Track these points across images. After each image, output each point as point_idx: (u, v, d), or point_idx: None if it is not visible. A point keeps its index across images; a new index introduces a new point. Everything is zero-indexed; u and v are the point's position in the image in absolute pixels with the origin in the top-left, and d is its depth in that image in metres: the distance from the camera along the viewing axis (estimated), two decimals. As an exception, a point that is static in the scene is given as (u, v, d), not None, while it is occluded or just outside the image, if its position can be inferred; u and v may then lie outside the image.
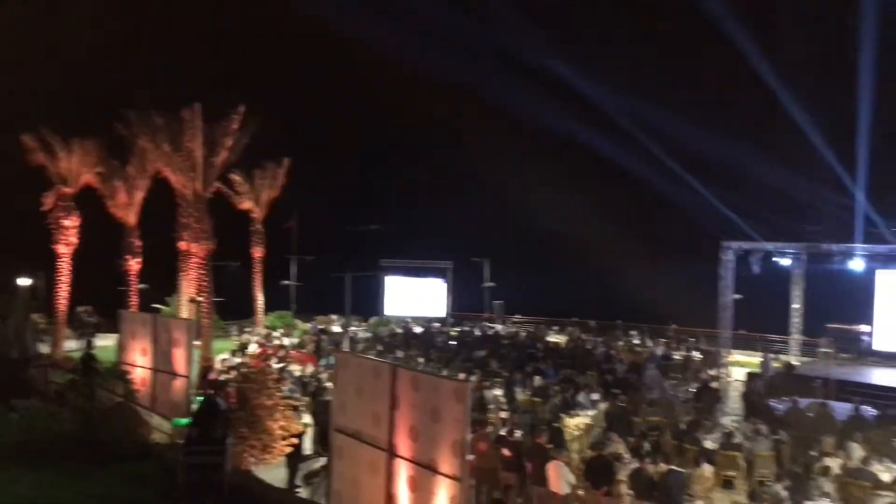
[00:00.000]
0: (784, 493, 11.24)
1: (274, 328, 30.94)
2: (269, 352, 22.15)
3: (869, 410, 17.72)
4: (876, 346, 25.35)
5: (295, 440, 13.19)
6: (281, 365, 19.97)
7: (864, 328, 26.06)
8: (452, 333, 30.14)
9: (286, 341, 26.28)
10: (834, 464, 13.01)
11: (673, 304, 36.79)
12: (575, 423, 16.14)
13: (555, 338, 30.59)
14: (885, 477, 12.78)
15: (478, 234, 51.46)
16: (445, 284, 35.74)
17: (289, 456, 13.15)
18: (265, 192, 31.85)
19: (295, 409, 14.27)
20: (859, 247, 24.24)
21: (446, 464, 9.06)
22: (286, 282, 35.45)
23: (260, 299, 32.42)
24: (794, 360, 25.71)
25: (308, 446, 14.48)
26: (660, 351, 26.02)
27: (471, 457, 11.23)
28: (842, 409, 17.59)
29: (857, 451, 13.76)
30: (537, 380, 19.25)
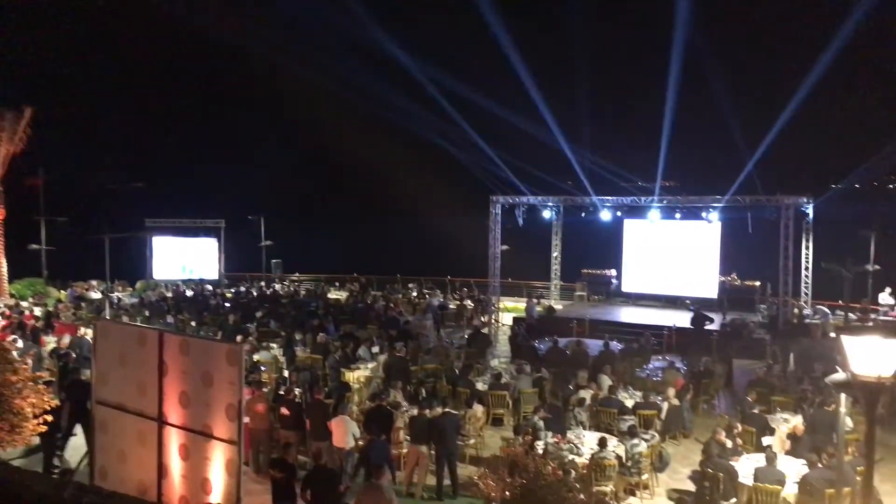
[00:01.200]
0: (541, 424, 12.24)
1: (23, 297, 27.86)
2: (18, 322, 19.93)
3: (616, 345, 19.81)
4: (623, 289, 28.31)
5: (49, 417, 12.02)
6: (28, 337, 18.06)
7: (612, 272, 28.95)
8: (228, 295, 29.08)
9: (37, 311, 23.81)
10: (587, 395, 14.40)
11: (451, 256, 38.38)
12: (356, 376, 16.37)
13: (335, 294, 30.65)
14: (629, 403, 14.40)
15: (252, 191, 49.83)
16: (217, 244, 34.29)
17: (42, 435, 11.96)
18: (3, 146, 28.22)
19: (48, 384, 12.98)
20: (608, 199, 26.73)
21: (221, 428, 8.76)
22: (34, 246, 31.92)
23: (2, 266, 28.96)
24: (555, 304, 27.98)
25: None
26: (436, 301, 27.06)
27: (246, 419, 10.98)
28: (594, 345, 19.50)
29: (606, 381, 15.34)
30: (319, 337, 19.18)
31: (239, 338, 17.51)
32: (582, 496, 6.38)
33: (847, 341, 5.90)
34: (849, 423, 12.51)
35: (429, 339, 21.44)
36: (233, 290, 30.76)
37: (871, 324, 21.64)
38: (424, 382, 16.04)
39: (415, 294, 29.61)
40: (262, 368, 16.12)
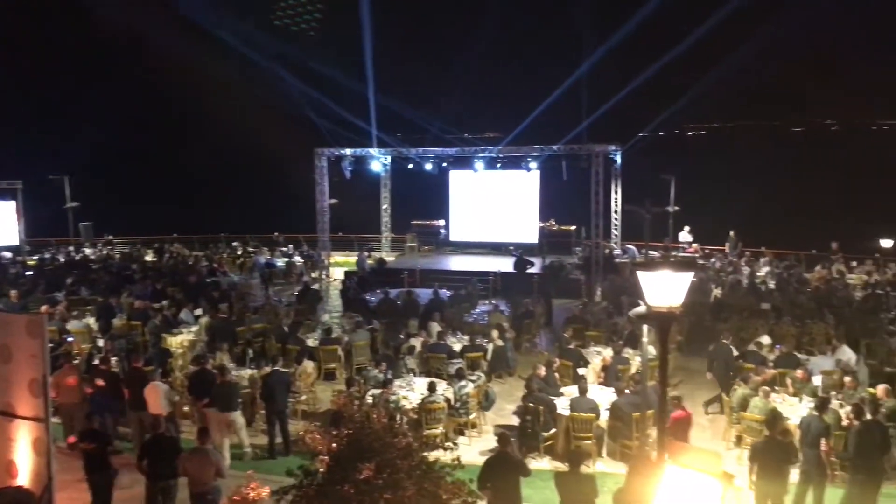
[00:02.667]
0: (380, 376, 12.40)
1: None
2: None
3: (445, 293, 20.34)
4: (451, 238, 29.00)
5: None
6: None
7: (441, 223, 29.54)
8: (30, 263, 26.64)
9: None
10: (417, 343, 14.72)
11: (278, 212, 37.39)
12: (178, 340, 15.66)
13: (153, 257, 28.98)
14: (457, 347, 14.89)
15: (55, 149, 45.61)
16: (15, 206, 31.15)
17: None
18: None
19: None
20: (434, 150, 27.10)
21: (25, 406, 8.08)
22: None
23: None
24: (387, 256, 28.18)
25: None
26: (263, 259, 26.36)
27: (53, 394, 10.21)
28: (425, 294, 19.90)
29: (436, 328, 15.75)
30: (137, 303, 18.11)
31: (44, 308, 16.15)
32: (409, 439, 6.53)
33: (642, 276, 6.38)
34: (652, 351, 13.73)
35: (256, 298, 20.91)
36: (36, 258, 28.20)
37: (672, 259, 23.71)
38: (252, 343, 15.69)
39: (240, 252, 28.64)
40: (70, 339, 14.98)
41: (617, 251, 26.75)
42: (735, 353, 13.79)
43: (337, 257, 28.63)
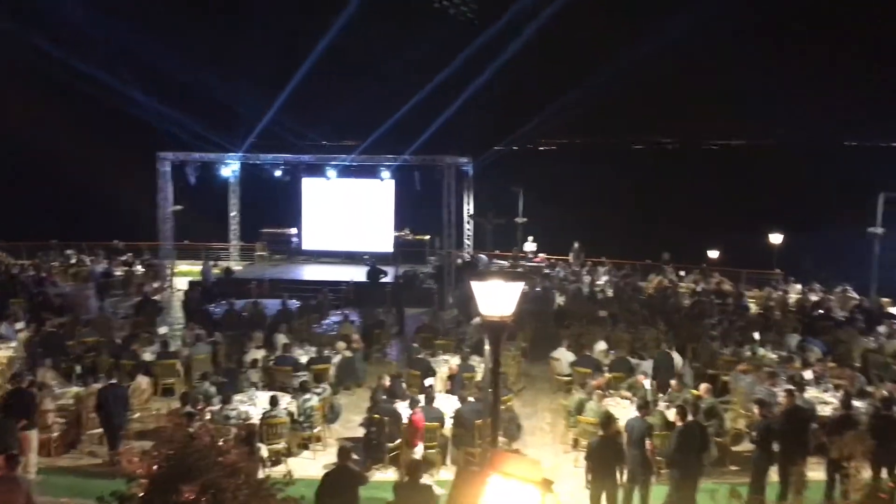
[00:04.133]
0: (212, 390, 11.88)
1: None
2: None
3: (294, 303, 19.89)
4: (304, 247, 28.41)
5: None
6: None
7: (293, 231, 28.89)
8: None
9: None
10: (259, 355, 14.26)
11: (118, 219, 35.16)
12: (-6, 357, 14.31)
13: (-27, 266, 26.38)
14: (304, 359, 14.56)
15: None
16: None
17: None
18: None
19: None
20: (285, 157, 26.52)
21: None
22: None
23: None
24: (235, 266, 27.21)
25: None
26: (100, 268, 24.67)
27: None
28: (273, 304, 19.35)
29: (282, 340, 15.33)
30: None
31: None
32: (234, 457, 6.25)
33: (475, 286, 6.48)
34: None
35: (89, 309, 19.53)
36: None
37: (520, 269, 24.51)
38: (83, 358, 14.60)
39: (74, 261, 26.66)
40: None
41: (467, 259, 27.27)
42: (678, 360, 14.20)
43: (182, 266, 27.30)
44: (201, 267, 24.83)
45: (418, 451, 10.74)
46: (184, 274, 26.46)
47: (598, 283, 23.55)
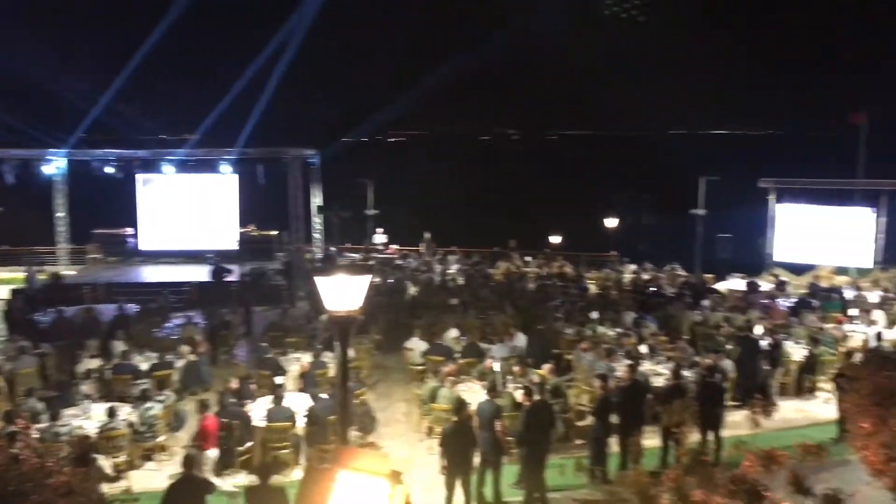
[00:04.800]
0: (40, 406, 10.99)
1: None
2: None
3: (133, 307, 18.73)
4: (141, 247, 26.80)
5: None
6: None
7: (128, 231, 27.19)
8: None
9: None
10: (95, 364, 13.33)
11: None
12: None
13: None
14: (145, 366, 13.76)
15: None
16: None
17: None
18: None
19: None
20: (116, 152, 24.91)
21: None
22: None
23: None
24: (64, 270, 25.24)
25: None
26: None
27: None
28: (108, 310, 18.14)
29: (120, 347, 14.41)
30: None
31: None
32: (66, 477, 5.80)
33: (320, 281, 6.37)
34: (351, 353, 13.95)
35: None
36: None
37: (371, 262, 24.46)
38: None
39: None
40: None
41: (319, 255, 26.88)
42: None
43: (2, 273, 25.02)
44: (25, 274, 22.86)
45: (210, 455, 10.49)
46: (4, 282, 24.25)
47: (449, 271, 23.94)
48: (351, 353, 13.73)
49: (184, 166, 25.28)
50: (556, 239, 28.93)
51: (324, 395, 11.53)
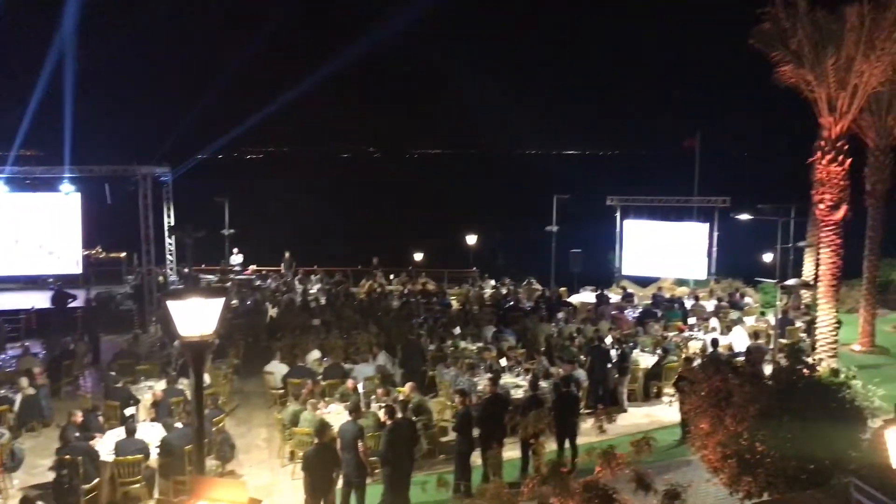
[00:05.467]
0: None
1: None
2: None
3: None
4: (-30, 272, 24.52)
5: None
6: None
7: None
8: None
9: None
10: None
11: None
12: None
13: None
14: (-26, 402, 12.60)
15: None
16: None
17: None
18: None
19: None
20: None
21: None
22: None
23: None
24: None
25: None
26: None
27: None
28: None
29: (-56, 383, 13.13)
30: None
31: None
32: None
33: (172, 306, 6.10)
34: (207, 379, 13.41)
35: None
36: None
37: (228, 284, 23.69)
38: None
39: None
40: None
41: (172, 277, 25.66)
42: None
43: None
44: None
45: None
46: None
47: (310, 291, 23.59)
48: (207, 378, 13.22)
49: (20, 184, 23.42)
50: (418, 256, 29.24)
51: (179, 425, 11.03)
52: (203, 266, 27.29)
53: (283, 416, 12.04)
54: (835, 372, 9.82)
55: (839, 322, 16.49)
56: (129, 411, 12.49)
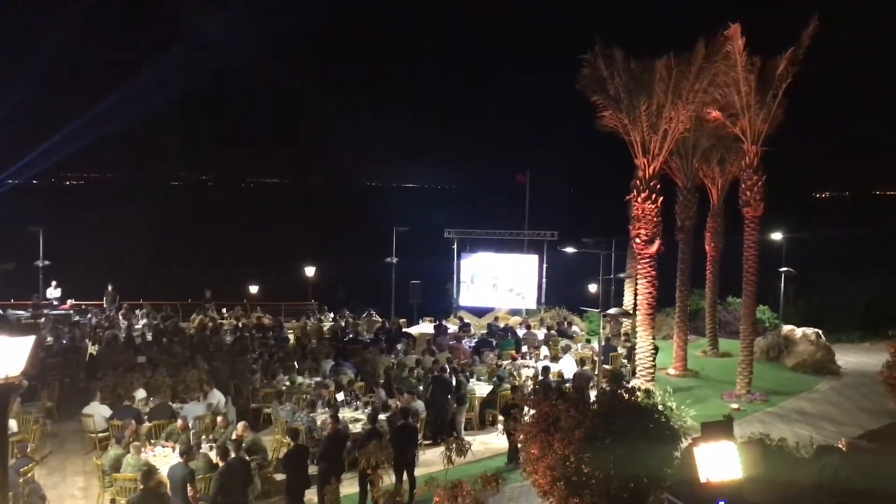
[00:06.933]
0: None
1: None
2: None
3: None
4: None
5: None
6: None
7: None
8: None
9: None
10: None
11: None
12: None
13: None
14: None
15: None
16: None
17: None
18: None
19: None
20: None
21: None
22: None
23: None
24: None
25: None
26: None
27: None
28: None
29: None
30: None
31: None
32: None
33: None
34: (14, 426, 12.21)
35: None
36: None
37: (42, 320, 21.79)
38: None
39: None
40: None
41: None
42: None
43: None
44: None
45: None
46: None
47: (136, 327, 22.17)
48: (14, 425, 12.04)
49: None
50: (254, 289, 28.40)
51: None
52: (12, 301, 24.92)
53: (102, 462, 11.16)
54: (647, 394, 10.55)
55: (656, 348, 17.86)
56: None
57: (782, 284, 25.58)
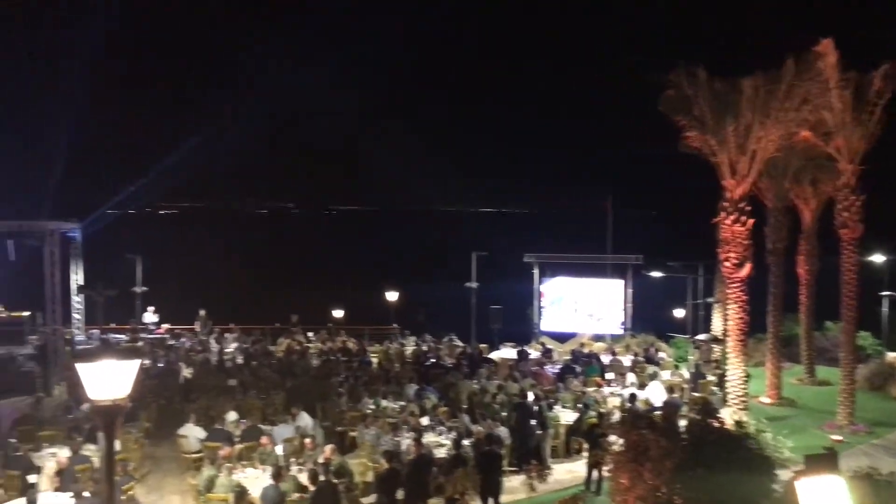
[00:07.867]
0: None
1: None
2: None
3: None
4: None
5: None
6: None
7: None
8: None
9: None
10: None
11: None
12: None
13: None
14: None
15: None
16: None
17: None
18: None
19: None
20: None
21: None
22: None
23: None
24: None
25: None
26: None
27: None
28: None
29: None
30: None
31: None
32: None
33: (82, 369, 5.86)
34: (117, 445, 12.77)
35: None
36: None
37: (140, 344, 22.80)
38: None
39: None
40: None
41: (80, 337, 24.49)
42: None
43: None
44: None
45: None
46: None
47: (227, 351, 22.91)
48: (118, 444, 12.58)
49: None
50: (338, 313, 28.90)
51: (86, 494, 10.42)
52: (113, 325, 26.17)
53: (197, 482, 11.55)
54: (738, 424, 10.18)
55: (748, 375, 17.20)
56: (31, 479, 11.72)
57: (885, 309, 24.28)
